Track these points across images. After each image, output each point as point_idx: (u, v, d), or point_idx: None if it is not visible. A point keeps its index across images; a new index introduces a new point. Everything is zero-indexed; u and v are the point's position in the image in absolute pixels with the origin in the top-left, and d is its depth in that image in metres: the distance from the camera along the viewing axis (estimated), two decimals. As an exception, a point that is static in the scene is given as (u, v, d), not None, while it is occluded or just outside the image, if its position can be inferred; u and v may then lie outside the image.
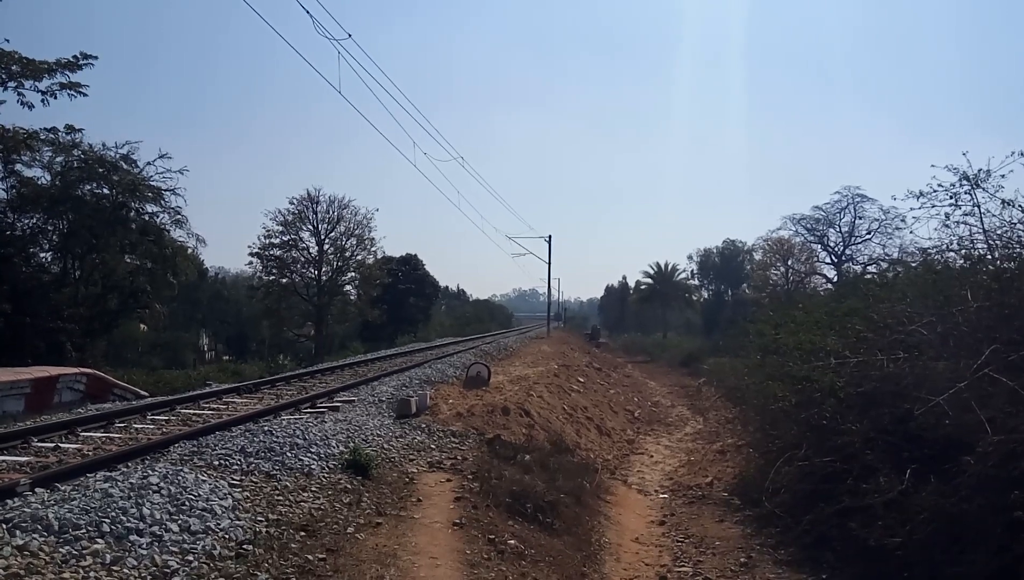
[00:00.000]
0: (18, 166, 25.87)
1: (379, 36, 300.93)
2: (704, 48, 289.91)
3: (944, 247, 9.35)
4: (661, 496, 11.72)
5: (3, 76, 22.98)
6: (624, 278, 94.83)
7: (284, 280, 43.77)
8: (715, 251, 64.28)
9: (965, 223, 8.93)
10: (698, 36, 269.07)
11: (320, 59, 14.36)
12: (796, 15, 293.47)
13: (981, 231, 8.78)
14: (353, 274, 46.12)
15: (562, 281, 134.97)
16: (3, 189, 26.18)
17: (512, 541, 6.89)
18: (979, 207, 8.80)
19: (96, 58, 24.73)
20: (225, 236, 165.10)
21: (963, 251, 8.90)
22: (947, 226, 9.13)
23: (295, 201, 43.63)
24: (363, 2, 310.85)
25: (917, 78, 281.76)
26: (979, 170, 8.68)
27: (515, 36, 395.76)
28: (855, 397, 8.33)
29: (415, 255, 62.57)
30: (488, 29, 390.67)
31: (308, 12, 11.83)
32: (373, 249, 46.37)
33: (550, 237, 47.66)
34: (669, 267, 72.19)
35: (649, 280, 74.65)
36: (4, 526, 4.84)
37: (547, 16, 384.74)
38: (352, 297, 47.59)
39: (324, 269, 44.03)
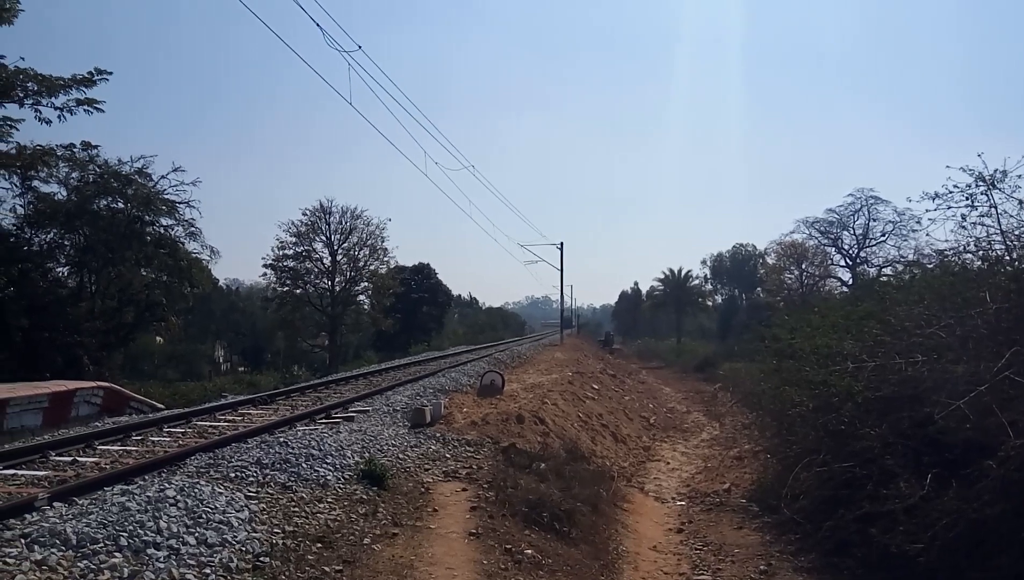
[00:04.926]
0: (35, 182, 26.30)
1: (385, 44, 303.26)
2: (707, 49, 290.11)
3: (961, 249, 9.25)
4: (678, 503, 11.62)
5: (20, 94, 23.30)
6: (636, 284, 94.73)
7: (298, 291, 44.08)
8: (726, 255, 64.06)
9: (982, 224, 8.84)
10: (698, 37, 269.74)
11: (330, 69, 14.45)
12: (793, 15, 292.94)
13: (998, 232, 8.69)
14: (366, 284, 46.36)
15: (575, 288, 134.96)
16: (20, 205, 26.69)
17: (529, 551, 6.84)
18: (996, 208, 8.72)
19: (111, 73, 24.99)
20: (238, 248, 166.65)
21: (980, 252, 8.80)
22: (963, 227, 9.03)
23: (308, 212, 44.06)
24: (368, 11, 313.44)
25: (923, 77, 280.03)
26: (995, 171, 8.60)
27: (519, 40, 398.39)
28: (873, 401, 8.22)
29: (428, 264, 62.95)
30: (492, 34, 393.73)
31: (318, 25, 11.99)
32: (386, 259, 46.66)
33: (562, 244, 47.72)
34: (682, 273, 72.18)
35: (662, 286, 74.53)
36: (23, 541, 4.87)
37: (550, 19, 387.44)
38: (365, 307, 47.78)
39: (337, 279, 44.31)
